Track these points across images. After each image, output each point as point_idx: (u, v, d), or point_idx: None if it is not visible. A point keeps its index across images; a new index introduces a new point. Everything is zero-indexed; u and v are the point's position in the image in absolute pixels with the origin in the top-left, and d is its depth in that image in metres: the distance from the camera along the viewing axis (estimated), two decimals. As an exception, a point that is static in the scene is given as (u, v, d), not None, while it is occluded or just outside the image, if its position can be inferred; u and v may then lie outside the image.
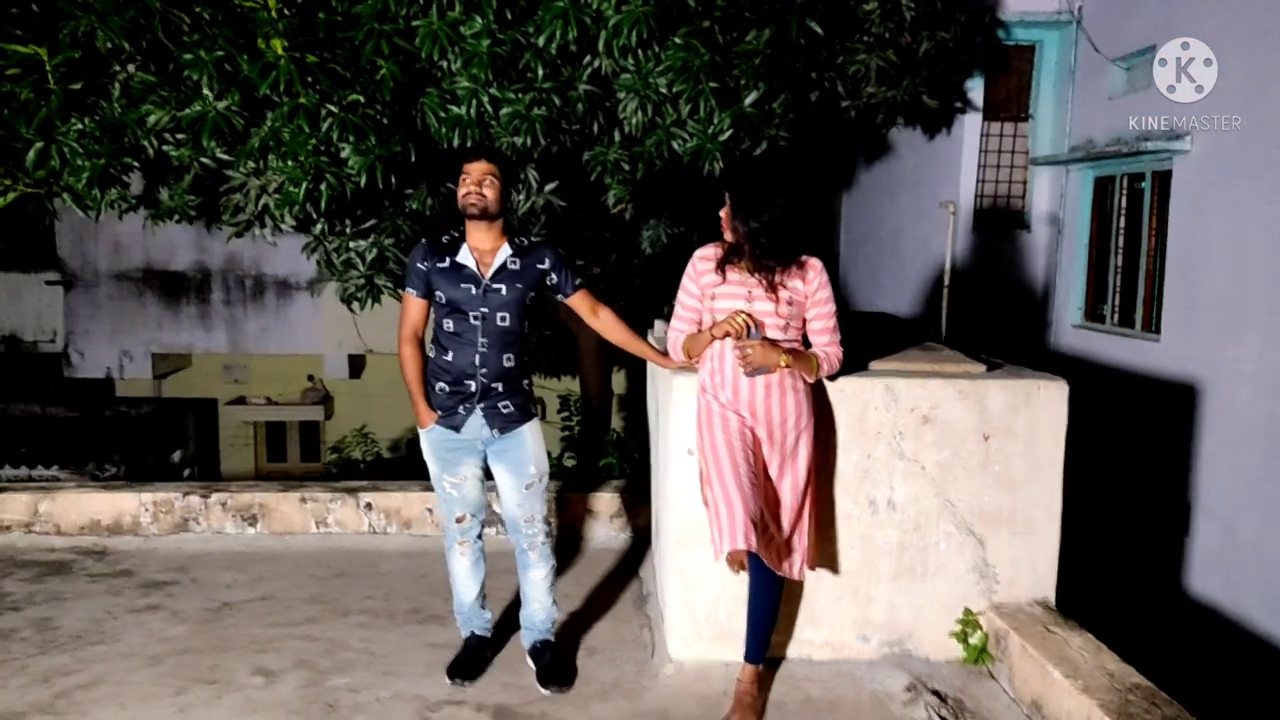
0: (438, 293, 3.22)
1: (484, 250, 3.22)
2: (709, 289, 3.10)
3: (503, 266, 3.20)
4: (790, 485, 3.09)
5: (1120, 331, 6.90)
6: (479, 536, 3.44)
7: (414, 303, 3.28)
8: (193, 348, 13.27)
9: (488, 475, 3.39)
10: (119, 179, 5.00)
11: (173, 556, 4.63)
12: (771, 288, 3.02)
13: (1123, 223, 7.03)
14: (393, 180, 4.92)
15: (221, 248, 12.71)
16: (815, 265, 3.09)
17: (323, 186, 4.76)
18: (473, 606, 3.50)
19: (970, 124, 7.63)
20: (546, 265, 3.26)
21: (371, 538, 4.85)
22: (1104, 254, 7.23)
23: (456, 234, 3.26)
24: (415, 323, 3.30)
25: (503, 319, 3.21)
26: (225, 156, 4.95)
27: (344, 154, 4.78)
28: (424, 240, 3.30)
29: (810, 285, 3.07)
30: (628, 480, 5.30)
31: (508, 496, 3.33)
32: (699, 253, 3.17)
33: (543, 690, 3.31)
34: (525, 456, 3.29)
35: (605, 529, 4.87)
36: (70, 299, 13.03)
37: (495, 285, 3.19)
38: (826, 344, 3.12)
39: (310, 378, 14.28)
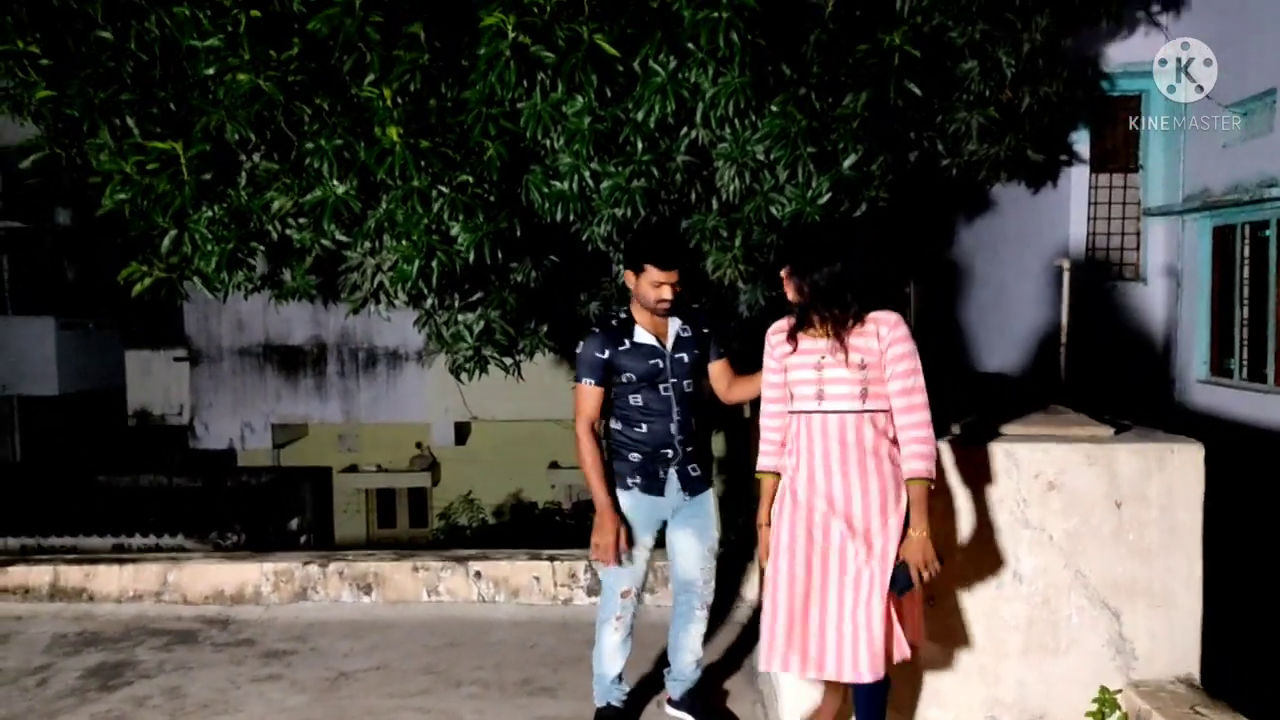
0: (625, 375, 3.33)
1: (657, 323, 3.37)
2: (783, 359, 3.01)
3: (677, 337, 3.38)
4: (869, 577, 2.85)
5: (1250, 386, 6.52)
6: (633, 615, 3.51)
7: (593, 393, 3.35)
8: (309, 418, 13.79)
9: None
10: (245, 262, 5.29)
11: (292, 625, 4.76)
12: (841, 349, 2.84)
13: (1246, 272, 6.70)
14: (499, 255, 5.07)
15: (336, 322, 13.27)
16: (886, 320, 2.84)
17: (434, 263, 4.93)
18: (614, 680, 3.56)
19: (1077, 177, 7.43)
20: (707, 331, 3.46)
21: (480, 606, 4.90)
22: (1227, 305, 6.89)
23: (624, 316, 3.40)
24: (593, 414, 3.38)
25: (688, 385, 3.38)
26: (343, 238, 5.19)
27: (453, 232, 4.95)
28: (596, 331, 3.40)
29: (882, 343, 2.83)
30: (738, 548, 5.21)
31: (690, 561, 3.48)
32: (771, 328, 3.09)
33: None
34: (710, 521, 3.49)
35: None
36: (195, 374, 13.74)
37: (678, 355, 3.37)
38: (908, 426, 2.81)
39: (418, 445, 14.63)
